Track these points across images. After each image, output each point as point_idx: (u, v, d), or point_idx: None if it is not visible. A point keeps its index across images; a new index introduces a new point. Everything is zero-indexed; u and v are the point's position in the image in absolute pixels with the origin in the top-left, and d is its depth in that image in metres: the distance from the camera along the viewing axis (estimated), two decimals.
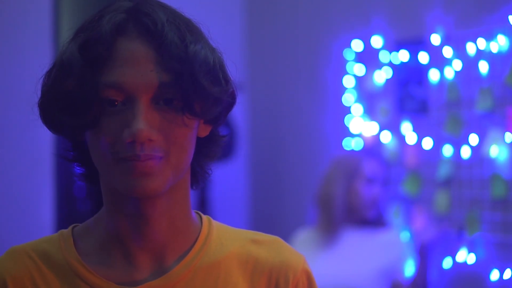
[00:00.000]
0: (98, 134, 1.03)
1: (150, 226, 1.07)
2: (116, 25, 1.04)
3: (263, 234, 1.16)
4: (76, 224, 1.17)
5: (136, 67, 1.02)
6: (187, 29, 1.05)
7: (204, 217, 1.16)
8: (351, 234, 3.02)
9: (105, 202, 1.11)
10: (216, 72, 1.05)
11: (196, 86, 1.02)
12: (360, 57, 3.48)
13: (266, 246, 1.14)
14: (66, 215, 3.72)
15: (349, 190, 3.04)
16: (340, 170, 3.07)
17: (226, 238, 1.14)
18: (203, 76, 1.02)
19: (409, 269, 2.99)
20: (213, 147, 1.13)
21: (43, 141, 3.48)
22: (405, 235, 3.11)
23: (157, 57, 1.02)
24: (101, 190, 1.11)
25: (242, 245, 1.13)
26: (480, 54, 2.90)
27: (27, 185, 3.47)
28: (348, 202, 3.03)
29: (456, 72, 3.02)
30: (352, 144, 3.47)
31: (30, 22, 3.49)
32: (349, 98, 3.52)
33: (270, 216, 3.92)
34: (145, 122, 1.01)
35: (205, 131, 1.10)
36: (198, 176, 1.14)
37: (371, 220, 3.06)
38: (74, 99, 1.02)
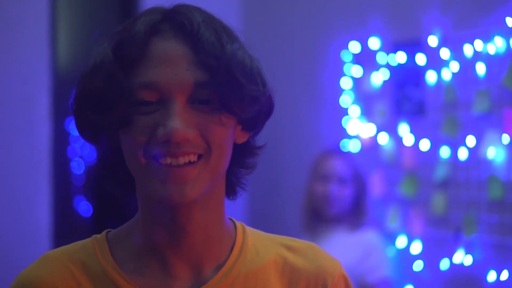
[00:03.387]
0: (131, 134, 1.01)
1: (186, 234, 1.05)
2: (151, 25, 1.02)
3: (298, 240, 1.15)
4: (109, 229, 1.14)
5: (171, 66, 1.00)
6: (223, 30, 1.04)
7: (238, 223, 1.14)
8: (326, 235, 3.08)
9: (140, 209, 1.09)
10: (253, 73, 1.03)
11: (233, 83, 1.00)
12: (357, 59, 3.48)
13: (302, 252, 1.12)
14: (63, 216, 3.72)
15: (309, 189, 3.18)
16: (309, 172, 3.23)
17: (261, 246, 1.12)
18: (240, 74, 1.01)
19: (380, 270, 3.00)
20: (249, 157, 1.11)
21: (41, 142, 3.48)
22: (380, 237, 3.11)
23: (193, 56, 1.00)
24: (137, 197, 1.09)
25: (277, 253, 1.11)
26: (477, 56, 2.91)
27: (25, 187, 3.46)
28: (309, 201, 3.17)
29: (453, 74, 3.02)
30: (349, 146, 3.47)
31: (27, 23, 3.49)
32: (346, 100, 3.52)
33: (267, 218, 3.92)
34: (180, 121, 0.99)
35: (242, 137, 1.08)
36: (235, 186, 1.12)
37: (341, 219, 3.09)
38: (107, 99, 1.00)
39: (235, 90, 1.01)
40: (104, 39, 1.06)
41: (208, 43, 1.01)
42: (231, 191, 1.12)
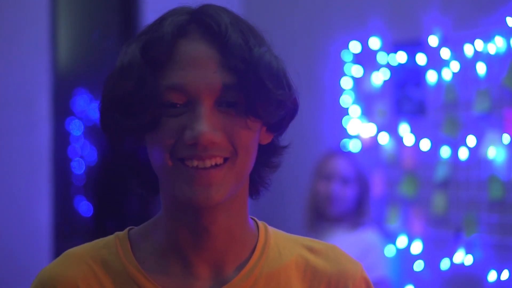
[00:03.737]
0: (158, 136, 1.01)
1: (209, 235, 1.05)
2: (178, 26, 1.02)
3: (320, 241, 1.15)
4: (131, 227, 1.14)
5: (199, 69, 0.99)
6: (250, 33, 1.03)
7: (260, 223, 1.14)
8: (326, 233, 3.09)
9: (164, 209, 1.08)
10: (280, 76, 1.03)
11: (260, 88, 1.00)
12: (357, 59, 3.48)
13: (324, 254, 1.12)
14: (63, 216, 3.72)
15: (312, 189, 3.20)
16: (313, 172, 3.24)
17: (283, 246, 1.12)
18: (267, 78, 1.00)
19: (378, 270, 3.01)
20: (273, 157, 1.11)
21: (41, 142, 3.48)
22: (379, 236, 3.11)
23: (220, 59, 1.00)
24: (160, 198, 1.08)
25: (300, 254, 1.11)
26: (478, 56, 2.91)
27: (25, 187, 3.46)
28: (312, 201, 3.19)
29: (454, 74, 3.02)
30: (350, 146, 3.47)
31: (28, 23, 3.49)
32: (346, 100, 3.52)
33: (268, 218, 3.92)
34: (208, 124, 0.98)
35: (266, 139, 1.08)
36: (258, 186, 1.12)
37: (343, 219, 3.10)
38: (134, 101, 1.00)
39: (262, 94, 1.00)
40: (130, 40, 1.05)
41: (235, 45, 1.00)
42: (254, 191, 1.12)
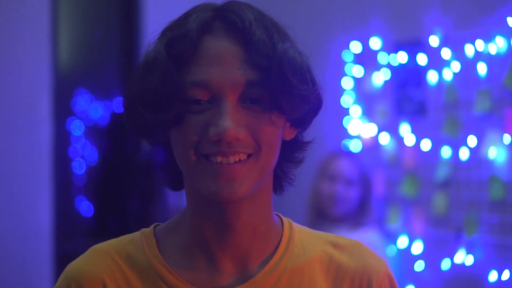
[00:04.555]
0: (183, 132, 1.01)
1: (234, 230, 1.06)
2: (203, 23, 1.02)
3: (344, 237, 1.15)
4: (157, 223, 1.15)
5: (223, 65, 1.00)
6: (274, 29, 1.04)
7: (285, 219, 1.14)
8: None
9: (189, 204, 1.09)
10: (303, 71, 1.04)
11: (284, 83, 1.00)
12: (358, 59, 3.48)
13: (348, 250, 1.12)
14: (64, 216, 3.72)
15: (315, 189, 3.20)
16: (316, 172, 3.24)
17: (307, 242, 1.12)
18: (291, 74, 1.01)
19: None
20: (297, 152, 1.12)
21: (42, 142, 3.48)
22: (380, 236, 3.12)
23: (244, 55, 1.01)
24: (185, 193, 1.09)
25: (323, 250, 1.12)
26: (479, 56, 2.91)
27: (26, 187, 3.46)
28: (315, 201, 3.19)
29: (455, 74, 3.02)
30: (350, 146, 3.47)
31: (28, 23, 3.49)
32: (347, 100, 3.52)
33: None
34: (232, 121, 0.99)
35: (290, 134, 1.09)
36: (282, 181, 1.12)
37: (345, 219, 3.11)
38: (159, 96, 1.01)
39: (286, 90, 1.01)
40: (156, 36, 1.05)
41: (259, 42, 1.01)
42: (278, 186, 1.13)
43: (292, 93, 1.01)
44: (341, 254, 1.12)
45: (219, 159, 1.00)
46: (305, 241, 1.12)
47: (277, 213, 1.14)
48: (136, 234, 1.13)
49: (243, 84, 1.00)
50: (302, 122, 1.08)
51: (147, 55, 1.04)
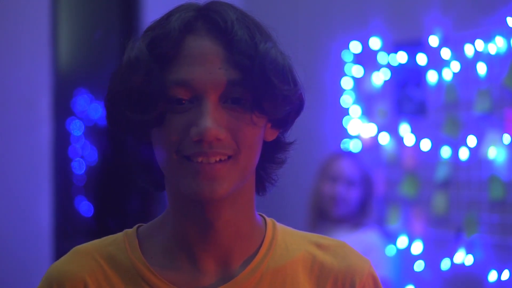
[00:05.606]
0: (164, 133, 1.02)
1: (215, 229, 1.06)
2: (185, 22, 1.02)
3: (328, 238, 1.15)
4: (140, 224, 1.15)
5: (204, 65, 1.00)
6: (256, 29, 1.04)
7: (268, 220, 1.15)
8: (328, 233, 3.11)
9: (170, 205, 1.09)
10: (285, 72, 1.04)
11: (265, 84, 1.01)
12: (358, 59, 3.48)
13: (331, 250, 1.12)
14: (64, 217, 3.72)
15: (316, 189, 3.21)
16: (317, 172, 3.25)
17: (291, 242, 1.13)
18: (273, 74, 1.01)
19: (379, 270, 3.02)
20: (279, 153, 1.12)
21: (42, 143, 3.48)
22: (380, 237, 3.12)
23: (226, 55, 1.01)
24: (166, 193, 1.09)
25: (307, 250, 1.12)
26: (478, 56, 2.91)
27: (26, 187, 3.46)
28: (316, 201, 3.20)
29: (454, 74, 3.02)
30: (350, 146, 3.47)
31: (28, 23, 3.49)
32: (347, 100, 3.52)
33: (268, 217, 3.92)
34: (213, 121, 0.99)
35: (272, 135, 1.09)
36: (264, 182, 1.13)
37: (346, 219, 3.11)
38: (141, 96, 1.01)
39: (267, 90, 1.01)
40: (138, 35, 1.06)
41: (241, 42, 1.01)
42: (260, 187, 1.13)
43: (274, 93, 1.01)
44: (324, 254, 1.12)
45: (200, 159, 1.00)
46: (288, 241, 1.13)
47: (260, 213, 1.15)
48: (119, 235, 1.13)
49: (224, 83, 1.00)
50: (283, 122, 1.08)
51: (129, 54, 1.03)
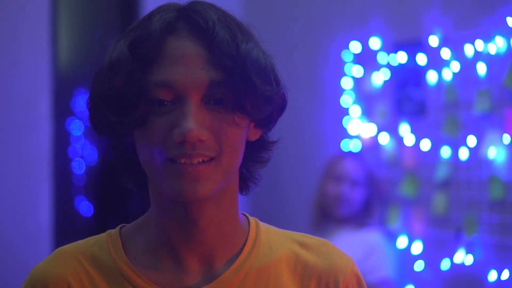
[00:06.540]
0: (146, 134, 1.02)
1: (198, 230, 1.06)
2: (166, 23, 1.02)
3: (311, 236, 1.15)
4: (123, 224, 1.15)
5: (186, 65, 1.00)
6: (238, 29, 1.04)
7: (252, 219, 1.15)
8: (332, 233, 3.11)
9: (153, 205, 1.09)
10: (267, 72, 1.04)
11: (247, 84, 1.01)
12: (358, 59, 3.48)
13: (315, 249, 1.13)
14: (64, 217, 3.72)
15: (320, 189, 3.22)
16: (322, 172, 3.26)
17: (274, 241, 1.13)
18: (254, 74, 1.01)
19: (381, 270, 3.01)
20: (262, 152, 1.12)
21: (42, 142, 3.48)
22: (383, 237, 3.12)
23: (208, 56, 1.01)
24: (149, 193, 1.09)
25: (290, 249, 1.12)
26: (478, 56, 2.91)
27: (25, 187, 3.46)
28: (320, 201, 3.20)
29: (454, 74, 3.02)
30: (350, 146, 3.47)
31: (28, 23, 3.49)
32: (347, 100, 3.52)
33: (268, 218, 3.92)
34: (195, 122, 0.99)
35: (255, 135, 1.09)
36: (247, 181, 1.13)
37: (350, 219, 3.12)
38: (123, 97, 1.01)
39: (249, 90, 1.01)
40: (119, 36, 1.06)
41: (223, 42, 1.01)
42: (244, 186, 1.13)
43: (256, 93, 1.01)
44: (308, 253, 1.12)
45: (182, 160, 1.00)
46: (271, 240, 1.13)
47: (243, 212, 1.15)
48: (102, 235, 1.13)
49: (206, 84, 1.00)
50: (266, 122, 1.08)
51: (111, 55, 1.04)
